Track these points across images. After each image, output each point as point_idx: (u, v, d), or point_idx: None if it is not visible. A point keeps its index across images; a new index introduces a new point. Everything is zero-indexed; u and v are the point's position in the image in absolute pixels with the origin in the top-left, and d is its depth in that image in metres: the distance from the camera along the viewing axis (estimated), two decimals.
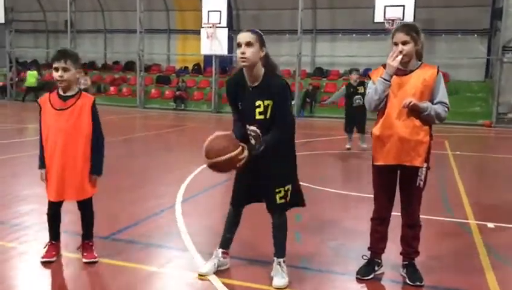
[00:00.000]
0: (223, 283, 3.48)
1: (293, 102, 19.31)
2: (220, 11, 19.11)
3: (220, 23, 19.11)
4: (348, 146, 10.35)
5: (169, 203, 5.48)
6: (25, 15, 24.32)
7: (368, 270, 3.64)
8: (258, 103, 3.34)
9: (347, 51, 20.23)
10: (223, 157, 3.13)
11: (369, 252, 3.70)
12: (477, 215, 5.43)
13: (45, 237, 3.88)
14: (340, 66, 20.91)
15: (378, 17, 17.08)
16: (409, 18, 16.69)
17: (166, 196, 5.78)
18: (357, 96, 10.09)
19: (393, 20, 16.78)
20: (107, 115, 18.38)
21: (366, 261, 3.69)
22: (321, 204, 5.89)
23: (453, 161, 9.15)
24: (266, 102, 3.33)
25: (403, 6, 16.74)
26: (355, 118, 10.16)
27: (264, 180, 3.44)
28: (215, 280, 3.52)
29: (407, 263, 3.62)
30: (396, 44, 3.38)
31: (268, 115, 3.35)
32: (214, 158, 3.14)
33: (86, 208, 3.77)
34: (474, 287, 3.60)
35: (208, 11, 19.23)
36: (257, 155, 3.29)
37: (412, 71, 3.40)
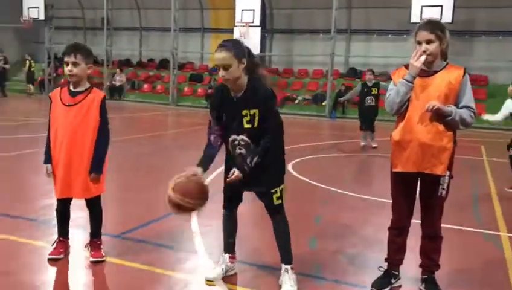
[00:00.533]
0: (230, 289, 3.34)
1: (324, 102, 19.14)
2: (253, 10, 19.02)
3: (253, 22, 19.02)
4: (363, 144, 10.61)
5: None
6: (64, 12, 24.87)
7: (384, 283, 3.42)
8: (244, 112, 3.21)
9: (381, 51, 19.75)
10: (190, 205, 3.05)
11: (386, 263, 3.49)
12: (510, 228, 5.10)
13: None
14: (374, 67, 20.09)
15: (415, 18, 16.56)
16: (447, 19, 16.15)
17: None
18: (369, 97, 10.26)
19: None
20: (139, 111, 18.68)
21: (382, 272, 3.48)
22: (342, 209, 5.69)
23: (488, 168, 8.72)
24: (252, 111, 3.20)
25: (441, 6, 16.22)
26: (367, 117, 10.38)
27: (259, 184, 3.30)
28: (221, 286, 3.38)
29: (426, 276, 3.39)
30: (419, 43, 3.15)
31: (256, 124, 3.21)
32: (183, 198, 3.00)
33: (93, 206, 3.69)
34: None
35: (242, 10, 19.18)
36: (250, 169, 3.17)
37: (436, 72, 3.16)
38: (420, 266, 3.43)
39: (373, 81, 10.33)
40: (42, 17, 22.32)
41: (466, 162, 8.69)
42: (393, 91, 3.22)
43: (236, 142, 3.29)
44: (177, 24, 20.95)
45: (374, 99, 10.25)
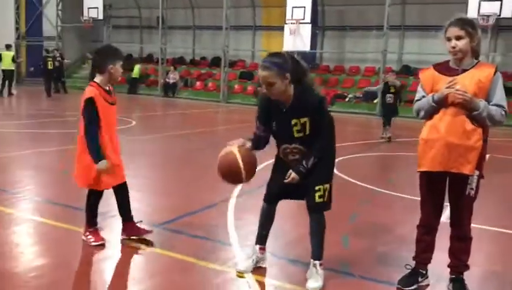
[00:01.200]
0: (257, 281, 3.46)
1: (375, 100, 18.82)
2: (304, 7, 18.98)
3: (304, 19, 18.99)
4: (382, 135, 11.51)
5: (224, 197, 5.53)
6: (121, 12, 25.83)
7: (411, 281, 3.42)
8: (294, 121, 3.27)
9: (437, 48, 19.05)
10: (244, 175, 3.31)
11: (414, 262, 3.48)
12: None
13: (109, 224, 4.09)
14: (429, 64, 19.76)
15: (472, 13, 15.96)
16: (507, 14, 15.50)
17: (223, 190, 5.83)
18: (388, 95, 11.38)
19: (488, 16, 15.67)
20: (191, 108, 19.13)
21: (409, 270, 3.47)
22: (379, 207, 5.67)
23: None
24: (302, 120, 3.25)
25: (501, 0, 15.53)
26: (386, 113, 11.61)
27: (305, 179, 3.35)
28: (250, 278, 3.50)
29: (454, 277, 3.36)
30: (449, 39, 3.12)
31: (307, 132, 3.27)
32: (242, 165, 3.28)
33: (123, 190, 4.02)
34: None
35: (292, 7, 19.19)
36: (307, 170, 3.26)
37: (465, 70, 3.12)
38: (448, 266, 3.40)
39: (394, 82, 11.42)
40: (101, 17, 23.29)
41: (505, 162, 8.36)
42: (422, 101, 3.20)
43: (288, 150, 3.37)
44: (228, 22, 21.25)
45: (393, 97, 11.33)
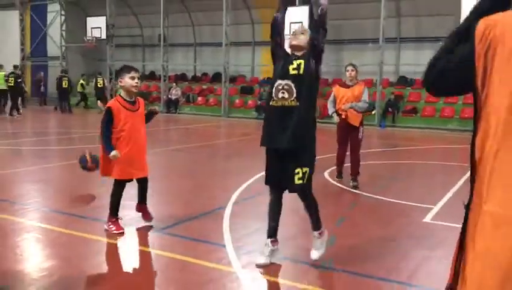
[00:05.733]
0: (269, 281, 3.78)
1: (374, 112, 19.16)
2: (301, 22, 19.41)
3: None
4: None
5: (221, 205, 5.84)
6: (124, 31, 26.43)
7: None
8: (293, 62, 3.80)
9: None
10: None
11: None
12: None
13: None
14: None
15: None
16: None
17: (220, 199, 6.17)
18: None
19: None
20: (193, 123, 19.53)
21: None
22: (364, 211, 5.96)
23: None
24: (299, 61, 3.80)
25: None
26: None
27: (288, 161, 3.80)
28: (241, 273, 3.81)
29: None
30: None
31: (301, 71, 3.77)
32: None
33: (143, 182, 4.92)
34: None
35: (290, 23, 19.63)
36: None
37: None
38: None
39: None
40: (104, 36, 23.87)
41: None
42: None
43: (280, 86, 3.81)
44: (228, 39, 21.74)
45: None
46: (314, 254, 4.01)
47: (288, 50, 3.96)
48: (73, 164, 6.99)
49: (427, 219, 5.54)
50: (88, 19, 24.45)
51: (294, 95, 3.74)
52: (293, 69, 3.77)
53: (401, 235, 4.96)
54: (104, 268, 4.06)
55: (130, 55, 27.74)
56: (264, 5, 22.96)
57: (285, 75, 3.79)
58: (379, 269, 3.97)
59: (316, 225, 4.03)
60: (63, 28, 26.31)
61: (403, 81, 20.79)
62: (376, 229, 5.15)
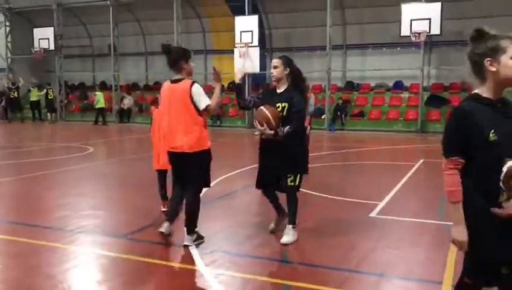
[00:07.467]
0: (212, 274, 4.09)
1: (323, 116, 19.89)
2: (251, 31, 19.92)
3: (252, 42, 19.90)
4: None
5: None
6: (73, 41, 26.06)
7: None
8: (278, 104, 4.62)
9: (377, 64, 20.55)
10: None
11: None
12: None
13: (78, 238, 4.61)
14: (371, 80, 21.28)
15: (405, 31, 17.34)
16: (436, 31, 16.89)
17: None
18: None
19: (419, 34, 17.02)
20: (145, 133, 19.46)
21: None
22: (318, 209, 6.40)
23: None
24: (284, 104, 4.61)
25: (429, 19, 16.93)
26: None
27: (280, 169, 4.63)
28: (203, 269, 4.13)
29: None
30: None
31: (284, 113, 4.59)
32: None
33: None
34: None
35: (241, 32, 20.10)
36: (282, 137, 4.53)
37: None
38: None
39: None
40: (52, 47, 23.48)
41: None
42: None
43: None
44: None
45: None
46: (285, 238, 4.69)
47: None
48: (28, 177, 7.03)
49: (373, 213, 6.04)
50: (35, 30, 24.00)
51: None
52: (278, 108, 4.59)
53: (350, 230, 5.41)
54: (65, 270, 4.26)
55: (80, 66, 27.38)
56: (215, 14, 23.37)
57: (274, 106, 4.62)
58: (331, 260, 4.39)
59: (292, 219, 4.78)
60: (8, 39, 25.66)
61: (350, 86, 21.65)
62: (326, 225, 5.59)
